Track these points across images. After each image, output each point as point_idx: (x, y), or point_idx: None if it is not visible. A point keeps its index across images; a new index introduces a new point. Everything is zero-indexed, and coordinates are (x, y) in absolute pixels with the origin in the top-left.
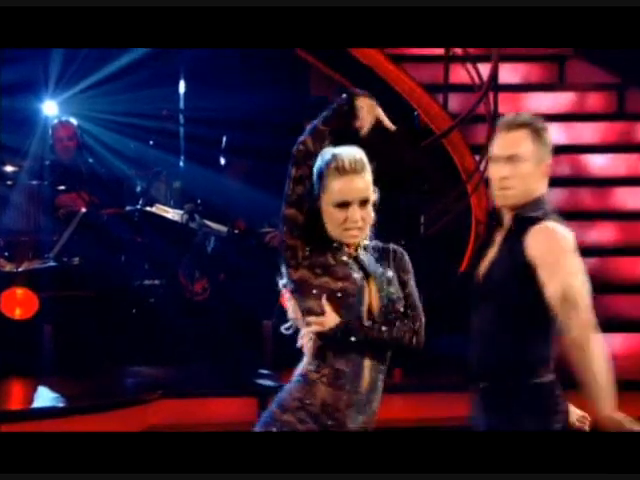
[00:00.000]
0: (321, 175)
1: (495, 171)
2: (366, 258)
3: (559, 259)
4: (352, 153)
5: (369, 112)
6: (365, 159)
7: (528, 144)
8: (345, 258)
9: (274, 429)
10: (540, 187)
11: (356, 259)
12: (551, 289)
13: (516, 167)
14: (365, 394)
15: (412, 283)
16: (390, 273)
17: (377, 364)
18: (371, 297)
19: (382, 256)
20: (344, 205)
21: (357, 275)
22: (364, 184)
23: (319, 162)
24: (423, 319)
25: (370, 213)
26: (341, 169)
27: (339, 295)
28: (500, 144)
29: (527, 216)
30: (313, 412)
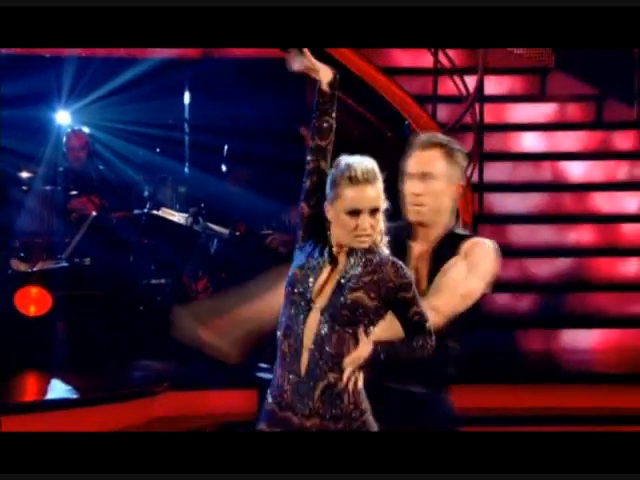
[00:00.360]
0: (334, 183)
1: (409, 187)
2: (347, 259)
3: (479, 265)
4: (365, 163)
5: (302, 62)
6: (377, 169)
7: (442, 163)
8: (324, 253)
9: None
10: (451, 205)
11: (334, 259)
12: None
13: (429, 185)
14: (305, 377)
15: (416, 301)
16: (367, 279)
17: (315, 350)
18: (322, 292)
19: (370, 262)
20: (355, 213)
21: (313, 268)
22: (375, 193)
23: (333, 170)
24: (432, 338)
25: (379, 221)
26: (354, 178)
27: (289, 281)
28: (415, 162)
29: (461, 233)
30: (272, 392)
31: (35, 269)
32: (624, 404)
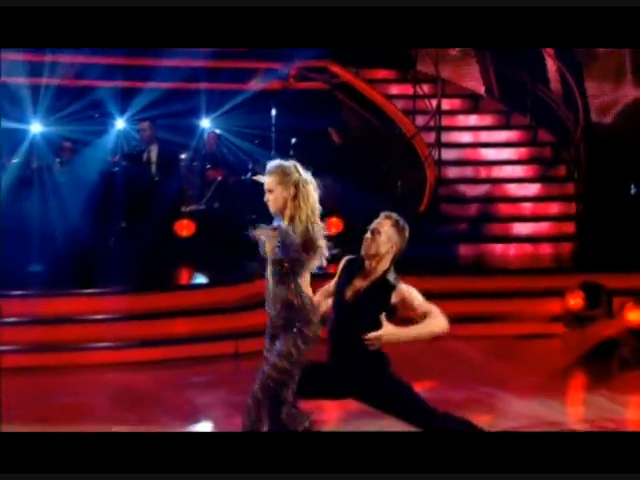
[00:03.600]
0: None
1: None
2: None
3: None
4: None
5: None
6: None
7: None
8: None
9: None
10: None
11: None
12: None
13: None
14: (271, 294)
15: None
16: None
17: (272, 277)
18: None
19: None
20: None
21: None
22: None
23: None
24: None
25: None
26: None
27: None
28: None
29: None
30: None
31: (187, 210)
32: (521, 285)
